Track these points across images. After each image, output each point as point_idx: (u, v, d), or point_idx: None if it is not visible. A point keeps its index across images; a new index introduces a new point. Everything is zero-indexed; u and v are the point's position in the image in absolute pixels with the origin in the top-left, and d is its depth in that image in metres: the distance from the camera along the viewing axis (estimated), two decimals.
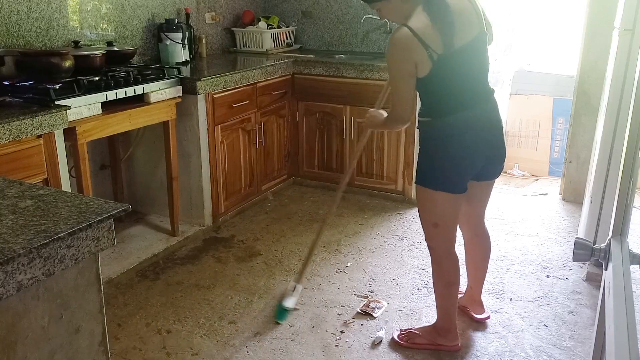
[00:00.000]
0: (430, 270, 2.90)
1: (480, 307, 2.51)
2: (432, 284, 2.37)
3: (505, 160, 2.23)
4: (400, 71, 1.96)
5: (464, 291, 2.58)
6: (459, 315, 2.46)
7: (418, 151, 2.15)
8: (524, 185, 4.25)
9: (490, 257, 3.05)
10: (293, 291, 2.57)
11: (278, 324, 2.47)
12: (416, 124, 2.15)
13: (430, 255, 2.26)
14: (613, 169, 2.52)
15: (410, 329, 2.38)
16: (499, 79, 5.08)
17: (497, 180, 2.30)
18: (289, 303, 2.53)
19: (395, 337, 2.36)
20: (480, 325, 2.48)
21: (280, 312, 2.51)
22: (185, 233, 3.23)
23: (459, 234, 2.29)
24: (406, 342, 2.32)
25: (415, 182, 2.16)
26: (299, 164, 4.05)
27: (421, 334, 2.33)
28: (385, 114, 2.23)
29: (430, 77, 1.94)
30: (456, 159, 2.03)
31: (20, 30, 2.77)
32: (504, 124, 2.15)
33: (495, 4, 4.77)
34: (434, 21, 1.88)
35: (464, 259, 2.54)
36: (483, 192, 2.28)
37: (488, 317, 2.51)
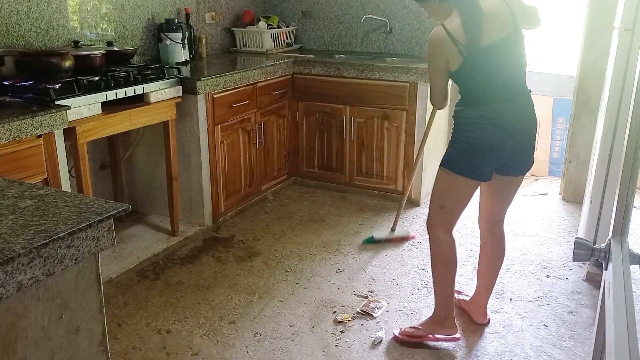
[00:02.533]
0: (430, 270, 2.90)
1: (483, 316, 2.49)
2: (432, 284, 2.38)
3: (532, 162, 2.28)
4: (433, 65, 2.19)
5: (471, 295, 2.57)
6: (459, 316, 2.47)
7: (450, 138, 2.28)
8: (524, 185, 4.25)
9: None
10: (389, 232, 3.26)
11: (363, 245, 3.20)
12: (452, 113, 2.29)
13: (428, 236, 2.32)
14: (613, 169, 2.52)
15: (410, 326, 2.39)
16: None
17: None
18: (379, 235, 3.22)
19: (396, 333, 2.38)
20: (480, 325, 2.47)
21: (369, 239, 3.22)
22: (185, 233, 3.23)
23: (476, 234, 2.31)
24: (406, 335, 2.35)
25: (440, 165, 2.26)
26: (299, 164, 4.05)
27: (421, 327, 2.36)
28: None
29: (461, 70, 2.12)
30: (481, 147, 2.14)
31: (20, 30, 2.77)
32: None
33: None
34: (462, 20, 2.07)
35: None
36: (506, 188, 2.32)
37: (488, 322, 2.51)
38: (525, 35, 2.14)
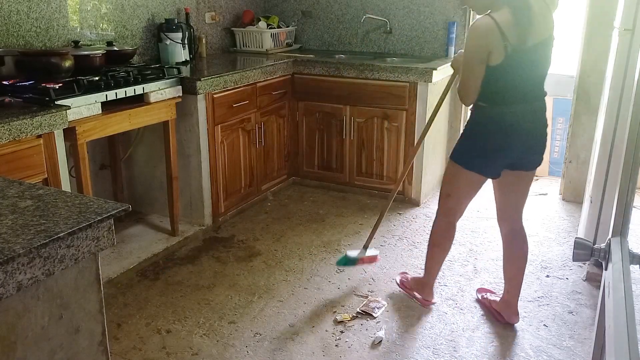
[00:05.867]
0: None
1: (515, 315, 2.47)
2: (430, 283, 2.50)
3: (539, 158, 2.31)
4: (474, 56, 2.10)
5: (500, 295, 2.55)
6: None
7: (462, 130, 2.28)
8: None
9: (490, 257, 3.07)
10: (361, 250, 2.89)
11: (338, 268, 2.91)
12: (471, 106, 2.26)
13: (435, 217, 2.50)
14: (613, 169, 2.52)
15: (406, 273, 2.79)
16: None
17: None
18: (353, 253, 2.86)
19: (397, 280, 2.76)
20: (481, 325, 2.48)
21: (342, 259, 2.87)
22: (185, 233, 3.23)
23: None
24: (402, 283, 2.72)
25: (450, 158, 2.34)
26: (299, 164, 4.05)
27: (410, 281, 2.69)
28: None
29: (500, 66, 2.07)
30: (494, 148, 2.19)
31: (20, 30, 2.77)
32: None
33: None
34: (514, 17, 2.02)
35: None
36: (516, 184, 2.34)
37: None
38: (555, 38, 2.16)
